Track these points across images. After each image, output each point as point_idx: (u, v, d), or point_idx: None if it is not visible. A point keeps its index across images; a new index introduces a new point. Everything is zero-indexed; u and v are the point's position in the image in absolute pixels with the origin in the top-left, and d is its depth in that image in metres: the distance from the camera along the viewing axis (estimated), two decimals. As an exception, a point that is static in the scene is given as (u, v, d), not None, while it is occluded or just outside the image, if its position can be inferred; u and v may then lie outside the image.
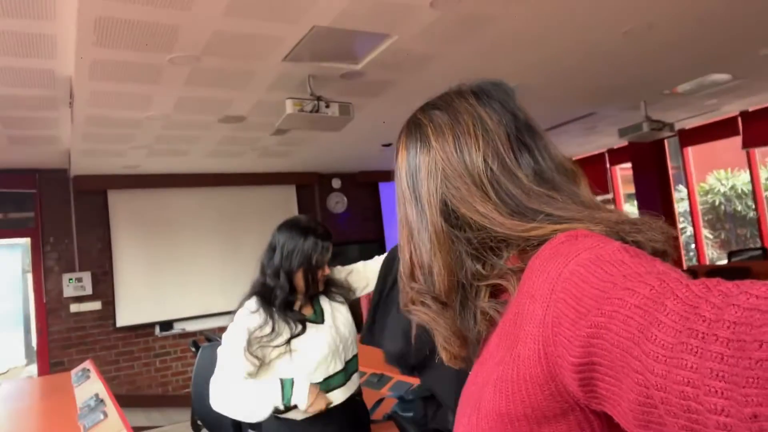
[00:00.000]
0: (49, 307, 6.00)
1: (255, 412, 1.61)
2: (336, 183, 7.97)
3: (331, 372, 1.74)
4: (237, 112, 4.45)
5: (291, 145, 5.87)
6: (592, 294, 0.46)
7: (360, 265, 2.09)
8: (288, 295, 1.73)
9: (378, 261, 2.02)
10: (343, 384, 1.78)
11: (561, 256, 0.53)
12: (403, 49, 3.47)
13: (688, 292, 0.40)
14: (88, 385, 2.71)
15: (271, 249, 1.80)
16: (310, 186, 7.73)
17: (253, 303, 1.74)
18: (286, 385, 1.62)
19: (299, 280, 1.77)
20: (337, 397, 1.74)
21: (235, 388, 1.61)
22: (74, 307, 6.09)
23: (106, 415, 1.90)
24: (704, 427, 0.36)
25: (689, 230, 9.35)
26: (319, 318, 1.82)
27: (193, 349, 3.33)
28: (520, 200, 0.63)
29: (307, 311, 1.82)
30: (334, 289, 1.92)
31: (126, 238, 6.40)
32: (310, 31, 3.09)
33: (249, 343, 1.64)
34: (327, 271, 1.82)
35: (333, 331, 1.80)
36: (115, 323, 6.24)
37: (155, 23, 2.83)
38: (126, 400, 6.17)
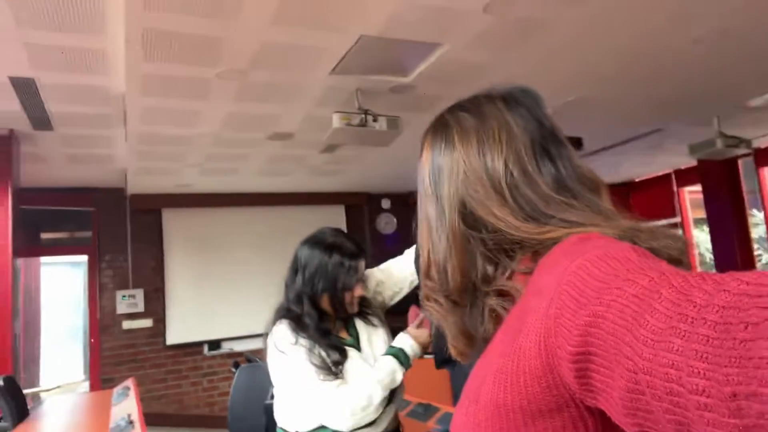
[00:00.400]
0: (102, 323, 6.10)
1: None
2: (385, 203, 7.84)
3: None
4: (285, 129, 4.40)
5: (340, 163, 5.79)
6: (594, 285, 0.47)
7: (394, 267, 1.87)
8: (319, 323, 1.53)
9: (409, 253, 1.80)
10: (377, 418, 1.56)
11: (570, 254, 0.54)
12: (454, 59, 3.32)
13: (684, 281, 0.41)
14: (125, 404, 2.63)
15: (293, 269, 1.60)
16: (359, 206, 7.64)
17: (288, 332, 1.53)
18: (401, 357, 1.52)
19: (326, 304, 1.58)
20: None
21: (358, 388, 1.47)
22: (126, 324, 6.16)
23: (131, 438, 1.79)
24: (685, 409, 0.37)
25: (765, 258, 8.64)
26: (356, 344, 1.63)
27: (234, 370, 3.23)
28: (537, 206, 0.65)
29: (343, 335, 1.64)
30: (368, 310, 1.70)
31: (178, 257, 6.46)
32: (358, 41, 2.99)
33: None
34: (360, 291, 1.60)
35: (372, 360, 1.60)
36: (165, 341, 6.27)
37: (201, 35, 2.80)
38: (173, 419, 6.15)
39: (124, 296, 6.13)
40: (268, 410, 1.83)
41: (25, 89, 3.49)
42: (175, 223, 6.49)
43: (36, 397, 6.23)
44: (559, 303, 0.50)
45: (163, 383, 6.28)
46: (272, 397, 1.74)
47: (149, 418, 6.01)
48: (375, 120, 3.59)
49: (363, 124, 3.53)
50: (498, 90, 0.76)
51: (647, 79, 4.06)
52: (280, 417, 1.61)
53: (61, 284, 10.80)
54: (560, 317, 0.49)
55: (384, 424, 1.56)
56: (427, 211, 0.73)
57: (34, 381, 6.83)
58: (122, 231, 6.31)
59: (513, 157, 0.68)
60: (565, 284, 0.51)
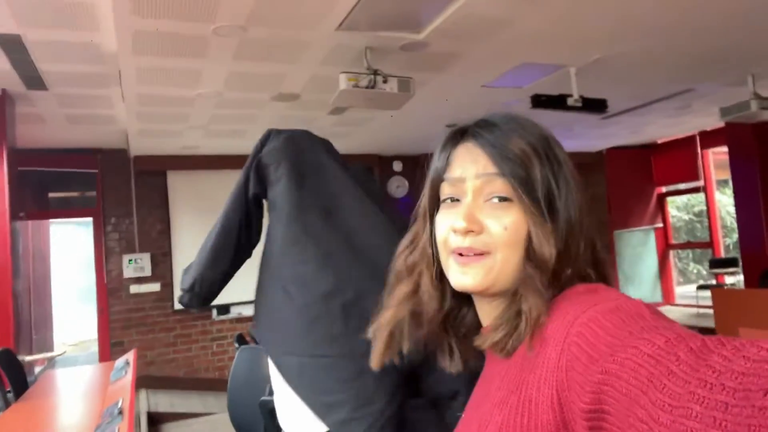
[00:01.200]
0: (109, 287, 6.04)
1: None
2: (397, 166, 7.61)
3: None
4: (290, 90, 4.15)
5: (349, 125, 5.54)
6: (606, 341, 0.47)
7: None
8: None
9: None
10: None
11: (579, 305, 0.55)
12: (471, 13, 3.02)
13: (702, 344, 0.41)
14: (121, 384, 2.52)
15: None
16: (369, 169, 7.41)
17: None
18: None
19: None
20: None
21: None
22: (134, 288, 6.10)
23: (118, 432, 1.67)
24: None
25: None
26: None
27: (237, 345, 3.09)
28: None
29: None
30: None
31: (185, 220, 6.32)
32: (366, -8, 2.72)
33: None
34: None
35: None
36: (173, 305, 6.21)
37: (194, -13, 2.55)
38: (184, 383, 6.16)
39: (130, 260, 6.04)
40: (266, 408, 1.66)
41: (13, 47, 3.27)
42: (181, 186, 6.33)
43: (50, 361, 6.25)
44: (570, 355, 0.51)
45: (173, 347, 6.26)
46: (271, 392, 1.58)
47: (160, 382, 6.04)
48: (385, 81, 3.33)
49: (372, 85, 3.28)
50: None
51: (680, 35, 3.74)
52: (283, 419, 1.44)
53: (73, 245, 10.84)
54: (571, 370, 0.50)
55: None
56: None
57: (46, 342, 6.86)
58: (127, 193, 6.16)
59: None
60: (575, 335, 0.51)
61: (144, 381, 5.79)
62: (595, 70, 4.14)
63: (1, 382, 2.88)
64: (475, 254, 0.65)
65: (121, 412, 1.87)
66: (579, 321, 0.52)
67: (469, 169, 0.67)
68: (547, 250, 0.62)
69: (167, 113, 4.54)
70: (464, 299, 0.74)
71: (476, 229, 0.65)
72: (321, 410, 1.26)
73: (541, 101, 4.22)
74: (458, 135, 0.72)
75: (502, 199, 0.65)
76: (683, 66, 4.41)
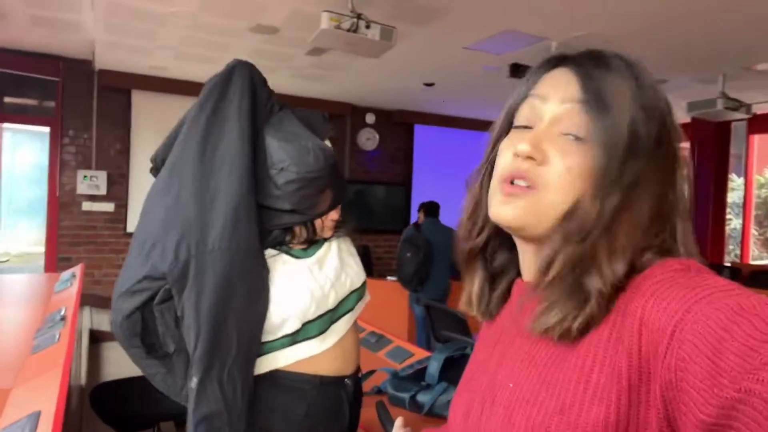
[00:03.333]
0: (61, 201, 5.88)
1: None
2: (370, 118, 7.55)
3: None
4: (269, 22, 4.03)
5: (326, 69, 5.44)
6: (737, 350, 0.41)
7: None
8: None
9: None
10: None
11: (683, 289, 0.48)
12: (463, -31, 2.99)
13: None
14: (65, 294, 2.51)
15: None
16: (342, 117, 7.33)
17: None
18: None
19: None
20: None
21: None
22: (86, 206, 5.96)
23: (59, 338, 1.68)
24: None
25: (735, 223, 8.76)
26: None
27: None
28: None
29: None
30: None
31: (147, 143, 6.15)
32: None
33: None
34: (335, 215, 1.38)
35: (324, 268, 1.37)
36: (126, 227, 6.12)
37: None
38: (129, 305, 6.14)
39: (85, 176, 5.88)
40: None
41: (-24, -69, 3.06)
42: (145, 107, 6.13)
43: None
44: (682, 354, 0.45)
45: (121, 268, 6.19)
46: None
47: (105, 301, 5.99)
48: (368, 27, 3.27)
49: (354, 29, 3.22)
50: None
51: (662, 26, 3.80)
52: None
53: (26, 154, 10.43)
54: (684, 371, 0.44)
55: (334, 339, 1.30)
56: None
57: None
58: (88, 107, 5.94)
59: None
60: (690, 333, 0.45)
61: (89, 299, 5.74)
62: (575, 47, 4.16)
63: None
64: (527, 186, 0.58)
65: (63, 319, 1.88)
66: (693, 316, 0.45)
67: (558, 90, 0.59)
68: (609, 204, 0.54)
69: (137, 27, 4.35)
70: (506, 241, 0.67)
71: (538, 158, 0.57)
72: None
73: (519, 71, 4.26)
74: (556, 60, 0.62)
75: (579, 138, 0.57)
76: (659, 56, 4.49)
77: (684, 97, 5.36)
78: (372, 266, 7.32)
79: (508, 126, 0.64)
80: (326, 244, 1.37)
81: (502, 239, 0.68)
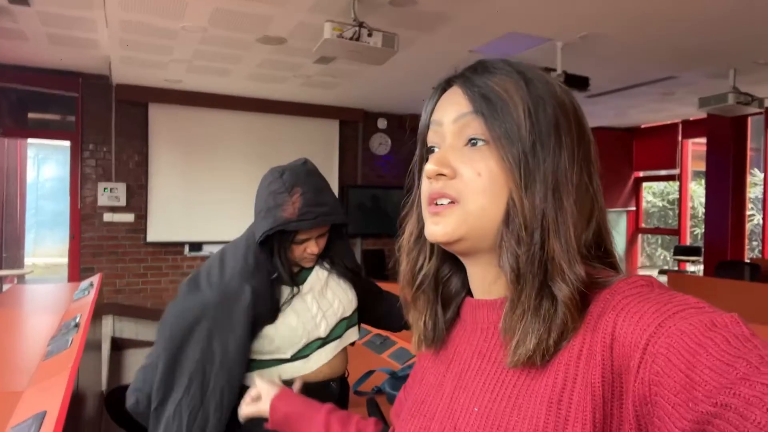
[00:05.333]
0: (83, 213, 6.06)
1: None
2: (381, 123, 7.61)
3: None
4: (276, 33, 4.12)
5: (336, 76, 5.53)
6: (713, 365, 0.42)
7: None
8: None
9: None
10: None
11: (655, 303, 0.49)
12: (461, -25, 3.03)
13: None
14: (83, 303, 2.61)
15: None
16: (354, 123, 7.41)
17: None
18: None
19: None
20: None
21: None
22: (107, 217, 6.13)
23: (71, 343, 1.76)
24: None
25: (757, 219, 8.60)
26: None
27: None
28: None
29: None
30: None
31: (163, 154, 6.32)
32: (356, -58, 2.70)
33: None
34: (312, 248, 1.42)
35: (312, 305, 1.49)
36: (145, 237, 6.27)
37: None
38: (150, 314, 6.27)
39: (105, 188, 6.05)
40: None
41: (-6, -43, 3.20)
42: (162, 119, 6.29)
43: (19, 278, 6.31)
44: (656, 368, 0.45)
45: (143, 278, 6.35)
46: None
47: (127, 310, 6.14)
48: (370, 35, 3.33)
49: (356, 37, 3.29)
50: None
51: (668, 21, 3.78)
52: None
53: (49, 168, 10.74)
54: (659, 386, 0.44)
55: (318, 364, 1.39)
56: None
57: (17, 261, 6.89)
58: (107, 121, 6.11)
59: None
60: (664, 347, 0.45)
61: (111, 308, 5.89)
62: (581, 47, 4.18)
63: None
64: (449, 202, 0.58)
65: (77, 326, 1.96)
66: (666, 331, 0.45)
67: (449, 112, 0.61)
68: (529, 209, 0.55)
69: (150, 43, 4.49)
70: (454, 264, 0.67)
71: (447, 173, 0.58)
72: None
73: (524, 72, 4.26)
74: (446, 83, 0.64)
75: (478, 142, 0.58)
76: (667, 53, 4.47)
77: (695, 93, 5.31)
78: (387, 270, 7.37)
79: (425, 152, 0.66)
80: (315, 272, 1.44)
81: (450, 264, 0.68)
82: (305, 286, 1.42)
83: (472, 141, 0.59)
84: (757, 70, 4.90)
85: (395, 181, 7.74)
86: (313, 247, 1.37)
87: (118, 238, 6.22)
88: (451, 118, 0.61)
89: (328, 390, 1.38)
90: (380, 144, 7.63)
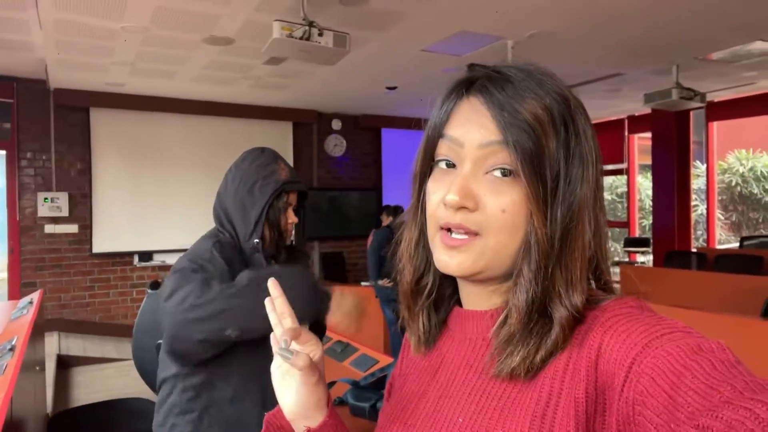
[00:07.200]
0: (22, 225, 5.73)
1: None
2: (336, 124, 7.53)
3: None
4: (223, 33, 3.99)
5: (287, 77, 5.41)
6: (697, 388, 0.41)
7: None
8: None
9: None
10: None
11: (642, 323, 0.49)
12: (411, -27, 3.00)
13: None
14: (20, 323, 2.43)
15: None
16: (308, 125, 7.30)
17: None
18: None
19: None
20: None
21: None
22: (49, 228, 5.82)
23: (4, 369, 1.62)
24: None
25: (701, 209, 8.96)
26: None
27: (150, 291, 3.03)
28: None
29: None
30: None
31: (108, 161, 6.04)
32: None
33: None
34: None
35: None
36: (91, 248, 5.98)
37: None
38: (100, 328, 6.00)
39: (46, 198, 5.74)
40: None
41: None
42: (105, 124, 6.01)
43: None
44: (640, 388, 0.44)
45: (90, 291, 6.06)
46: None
47: (73, 325, 5.85)
48: (321, 34, 3.25)
49: (306, 37, 3.20)
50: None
51: (614, 20, 3.86)
52: None
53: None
54: (641, 405, 0.44)
55: None
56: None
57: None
58: (45, 127, 5.80)
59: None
60: (649, 366, 0.44)
61: (56, 324, 5.60)
62: (531, 45, 4.22)
63: None
64: (466, 233, 0.56)
65: (12, 349, 1.82)
66: (652, 351, 0.45)
67: (473, 134, 0.56)
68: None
69: (89, 44, 4.26)
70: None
71: (470, 206, 0.55)
72: None
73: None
74: (465, 86, 0.59)
75: (506, 173, 0.55)
76: (613, 50, 4.57)
77: (641, 89, 5.47)
78: (346, 273, 7.29)
79: (431, 158, 0.61)
80: None
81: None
82: None
83: (499, 171, 0.55)
84: (697, 66, 5.07)
85: (352, 183, 7.66)
86: (293, 216, 1.47)
87: (62, 250, 5.91)
88: (475, 143, 0.56)
89: None
90: (335, 145, 7.54)
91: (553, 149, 0.54)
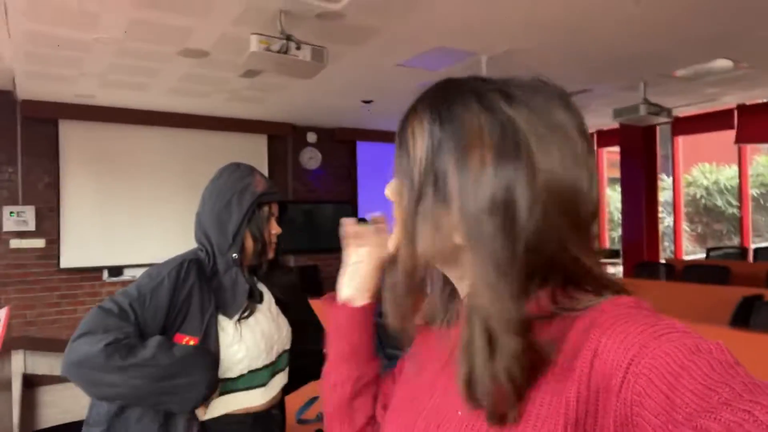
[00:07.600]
0: (-14, 239, 5.55)
1: None
2: (311, 137, 7.52)
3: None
4: (198, 46, 3.96)
5: (263, 90, 5.40)
6: (694, 388, 0.42)
7: None
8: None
9: None
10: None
11: (640, 324, 0.48)
12: (388, -11, 3.04)
13: None
14: (-14, 341, 2.35)
15: None
16: (283, 137, 7.27)
17: None
18: None
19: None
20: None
21: None
22: (14, 243, 5.64)
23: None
24: None
25: (667, 221, 9.20)
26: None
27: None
28: None
29: None
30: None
31: (77, 174, 5.91)
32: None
33: None
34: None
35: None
36: (59, 264, 5.82)
37: None
38: (66, 345, 5.81)
39: (12, 212, 5.57)
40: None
41: None
42: (74, 137, 5.89)
43: None
44: (638, 389, 0.44)
45: (57, 307, 5.88)
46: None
47: (40, 343, 5.66)
48: (298, 48, 3.27)
49: (284, 51, 3.21)
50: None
51: (580, 36, 3.98)
52: None
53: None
54: (639, 406, 0.44)
55: (277, 389, 1.46)
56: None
57: None
58: (12, 139, 5.65)
59: None
60: (647, 367, 0.44)
61: (21, 342, 5.40)
62: (505, 61, 4.30)
63: None
64: None
65: (-22, 370, 1.75)
66: (650, 351, 0.45)
67: None
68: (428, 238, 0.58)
69: (59, 55, 4.18)
70: None
71: (394, 199, 0.64)
72: None
73: (452, 85, 4.34)
74: None
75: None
76: (582, 66, 4.69)
77: (609, 105, 5.61)
78: (322, 286, 7.24)
79: None
80: (266, 296, 1.49)
81: None
82: (264, 304, 1.45)
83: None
84: (663, 82, 5.24)
85: (327, 196, 7.65)
86: (276, 227, 1.47)
87: (27, 265, 5.74)
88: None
89: (273, 417, 1.41)
90: (310, 158, 7.53)
91: (424, 148, 0.60)
